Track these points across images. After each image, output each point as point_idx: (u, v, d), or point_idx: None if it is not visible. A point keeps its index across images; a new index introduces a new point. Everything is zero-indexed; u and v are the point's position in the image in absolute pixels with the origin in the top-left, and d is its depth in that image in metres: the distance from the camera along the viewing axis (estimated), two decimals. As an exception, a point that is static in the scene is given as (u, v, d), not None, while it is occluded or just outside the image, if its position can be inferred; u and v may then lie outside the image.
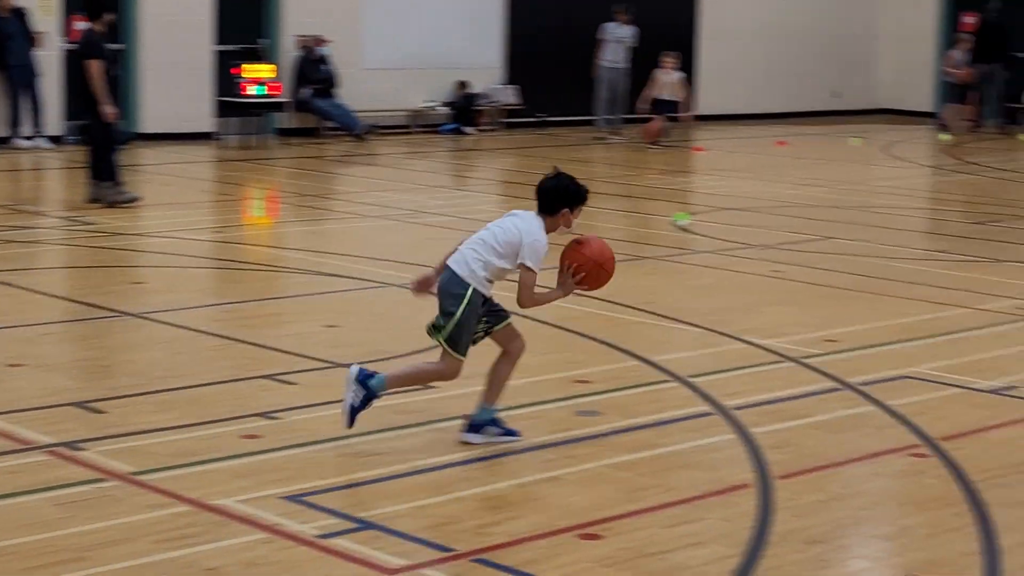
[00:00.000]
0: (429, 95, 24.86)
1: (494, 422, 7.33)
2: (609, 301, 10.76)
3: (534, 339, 9.36)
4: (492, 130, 25.28)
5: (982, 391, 8.49)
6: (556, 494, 6.56)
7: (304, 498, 6.36)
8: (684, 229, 14.80)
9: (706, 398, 8.17)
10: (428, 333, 7.24)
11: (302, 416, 7.67)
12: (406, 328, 9.75)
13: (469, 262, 7.14)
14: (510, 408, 7.81)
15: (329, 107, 23.18)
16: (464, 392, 7.77)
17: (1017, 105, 28.67)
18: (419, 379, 7.61)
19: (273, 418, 7.61)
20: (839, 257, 13.16)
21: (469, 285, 7.10)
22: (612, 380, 8.55)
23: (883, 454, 7.31)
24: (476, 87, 25.19)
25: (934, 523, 6.27)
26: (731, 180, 19.30)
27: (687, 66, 28.08)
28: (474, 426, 7.31)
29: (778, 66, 29.94)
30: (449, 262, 7.21)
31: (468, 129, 24.79)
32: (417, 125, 24.69)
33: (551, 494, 6.57)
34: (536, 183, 7.39)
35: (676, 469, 6.96)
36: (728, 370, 8.88)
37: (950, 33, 29.56)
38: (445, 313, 7.13)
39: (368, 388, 7.17)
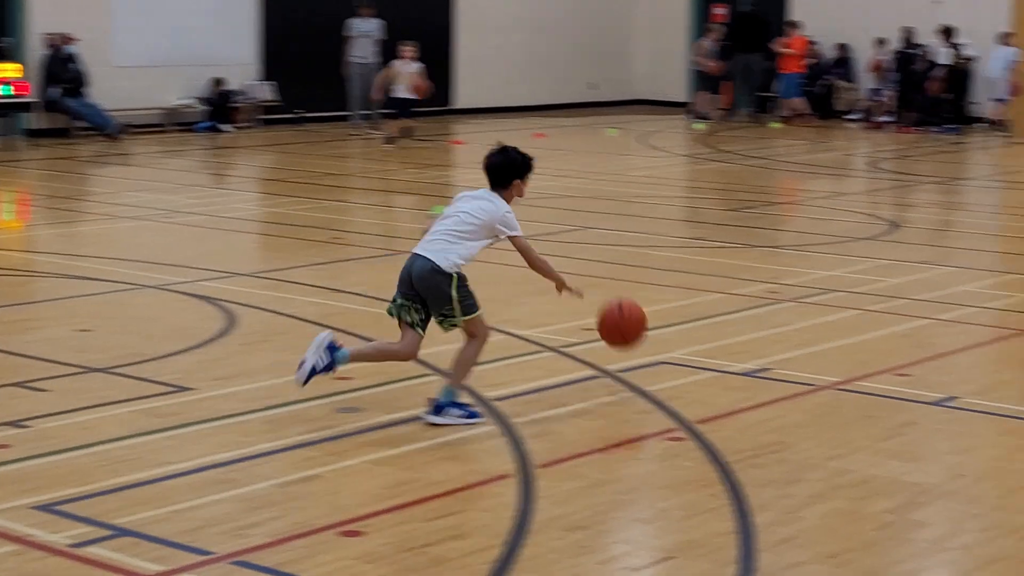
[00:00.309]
0: (184, 92, 24.45)
1: (456, 405, 7.53)
2: (370, 296, 10.72)
3: (297, 337, 9.28)
4: (249, 127, 24.98)
5: (736, 374, 8.66)
6: (317, 492, 6.49)
7: (56, 507, 6.18)
8: (444, 222, 14.79)
9: (467, 390, 8.16)
10: (441, 325, 7.57)
11: (54, 423, 7.45)
12: (159, 330, 9.58)
13: (447, 253, 7.44)
14: (269, 408, 7.72)
15: (79, 106, 22.63)
16: (216, 395, 7.64)
17: (769, 94, 29.40)
18: (382, 356, 7.84)
19: (23, 426, 7.37)
20: (597, 247, 13.30)
21: (452, 275, 7.43)
22: (374, 376, 8.48)
23: (641, 439, 7.41)
24: (232, 84, 24.87)
25: (691, 505, 6.37)
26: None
27: (444, 60, 28.19)
28: (438, 408, 7.50)
29: (535, 59, 30.20)
30: (425, 253, 7.46)
31: (224, 127, 24.46)
32: (172, 123, 24.26)
33: (312, 493, 6.49)
34: (482, 160, 7.70)
35: (437, 462, 6.94)
36: (488, 362, 8.87)
37: (703, 24, 30.17)
38: (443, 307, 7.47)
39: (333, 358, 7.45)
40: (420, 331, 7.55)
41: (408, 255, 7.65)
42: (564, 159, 21.32)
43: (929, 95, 27.08)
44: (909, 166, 21.67)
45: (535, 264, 7.84)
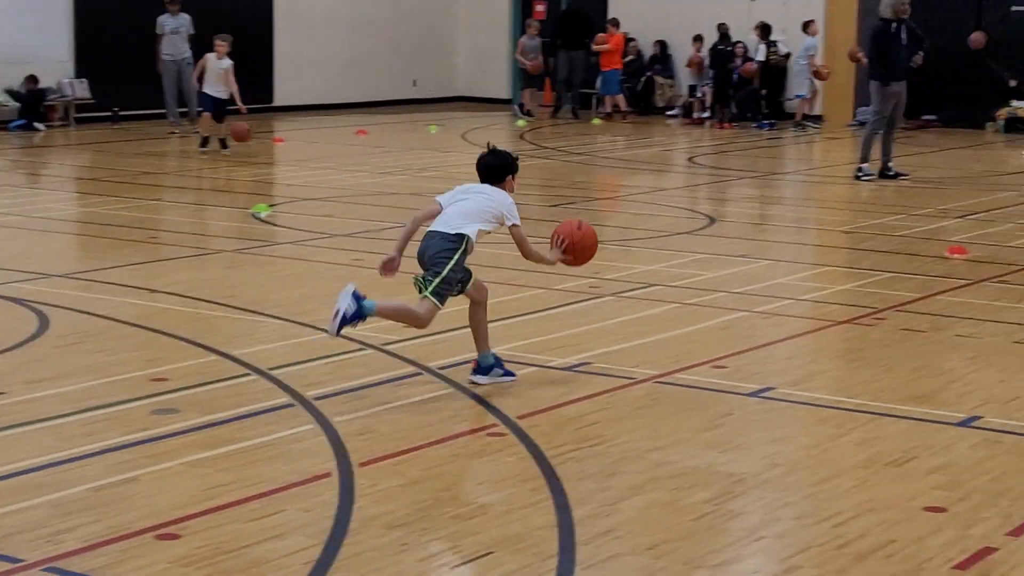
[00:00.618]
0: (-5, 90, 23.95)
1: (498, 362, 8.27)
2: (189, 296, 10.59)
3: (112, 339, 9.13)
4: (64, 125, 24.50)
5: (558, 368, 8.70)
6: (133, 496, 6.37)
7: None
8: (265, 221, 14.67)
9: (287, 390, 8.10)
10: (415, 287, 8.12)
11: None
12: (-28, 333, 9.35)
13: (462, 225, 8.07)
14: (85, 411, 7.57)
15: None
16: (30, 398, 7.48)
17: (591, 91, 29.64)
18: (402, 317, 8.26)
19: None
20: (417, 243, 13.23)
21: (464, 235, 8.06)
22: (191, 376, 8.37)
23: (462, 435, 7.41)
24: (46, 81, 24.35)
25: (512, 500, 6.38)
26: (311, 171, 19.25)
27: (264, 56, 27.94)
28: (482, 369, 8.25)
29: (356, 55, 30.08)
30: (439, 229, 8.10)
31: (39, 125, 23.95)
32: (-16, 122, 23.73)
33: (128, 496, 6.37)
34: (476, 161, 8.60)
35: (256, 463, 6.86)
36: (309, 360, 8.83)
37: (525, 21, 30.31)
38: (433, 269, 8.04)
39: (360, 306, 7.85)
40: (474, 289, 8.36)
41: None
42: (386, 156, 21.28)
43: (745, 79, 27.46)
44: (727, 161, 22.01)
45: (529, 255, 8.50)
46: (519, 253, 8.35)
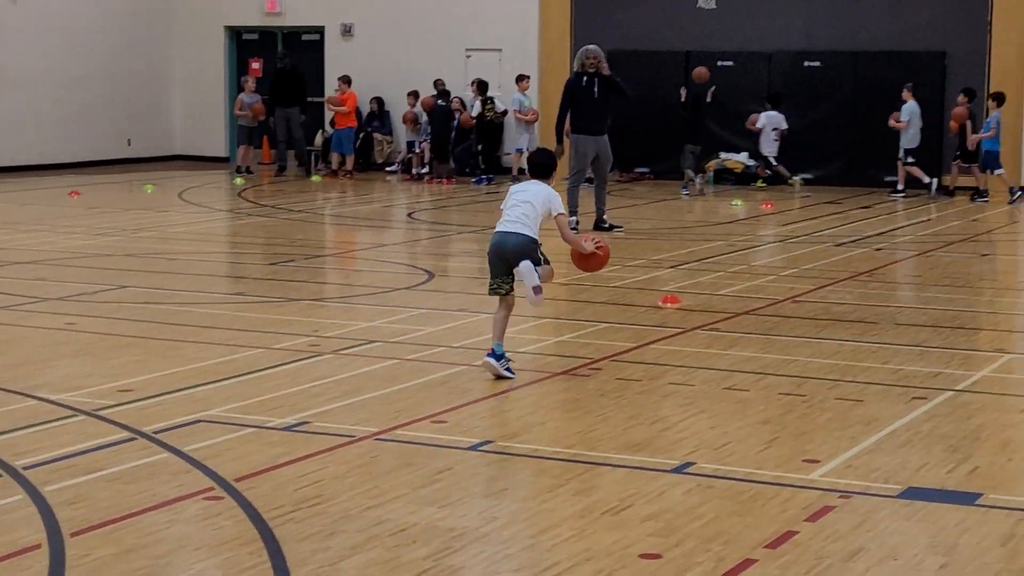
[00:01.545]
0: None
1: (505, 356, 10.11)
2: None
3: None
4: None
5: (276, 428, 8.61)
6: None
7: None
8: (-28, 285, 14.21)
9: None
10: (495, 289, 10.37)
11: None
12: None
13: (530, 230, 10.11)
14: None
15: None
16: None
17: (312, 148, 29.61)
18: (505, 325, 10.36)
19: None
20: (135, 305, 13.03)
21: (538, 241, 10.18)
22: None
23: (178, 500, 7.25)
24: None
25: (229, 564, 6.27)
26: (23, 233, 18.74)
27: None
28: (496, 355, 10.04)
29: (68, 114, 29.46)
30: (516, 230, 10.11)
31: None
32: None
33: None
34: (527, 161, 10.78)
35: (-39, 537, 6.61)
36: (18, 429, 8.55)
37: (241, 78, 30.13)
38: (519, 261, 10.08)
39: (497, 356, 10.05)
40: (510, 296, 10.36)
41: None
42: (100, 217, 20.85)
43: (463, 135, 27.77)
44: (446, 216, 22.19)
45: (567, 238, 10.43)
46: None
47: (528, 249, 10.11)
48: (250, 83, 28.83)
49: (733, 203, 23.80)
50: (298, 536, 6.61)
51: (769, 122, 26.34)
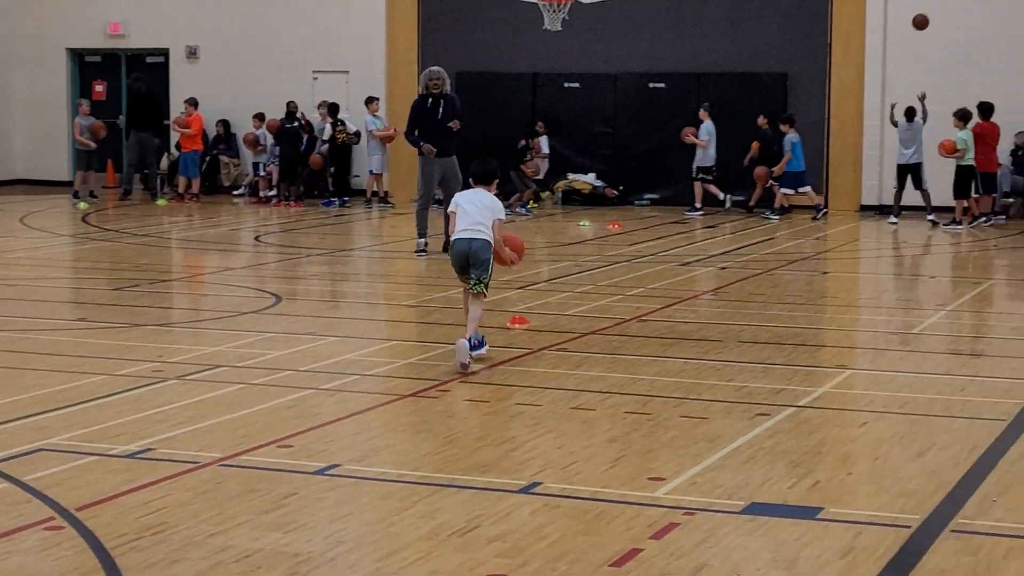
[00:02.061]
0: None
1: (482, 344, 11.55)
2: None
3: None
4: None
5: (119, 456, 8.48)
6: None
7: None
8: None
9: None
10: (472, 286, 11.48)
11: None
12: None
13: (486, 231, 11.43)
14: None
15: None
16: None
17: (158, 171, 29.29)
18: (480, 319, 11.57)
19: None
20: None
21: (491, 244, 11.47)
22: None
23: (17, 531, 7.10)
24: None
25: (69, 596, 6.17)
26: None
27: None
28: (478, 345, 11.40)
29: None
30: (477, 235, 11.40)
31: None
32: None
33: None
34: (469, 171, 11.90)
35: None
36: None
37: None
38: (482, 268, 11.41)
39: (471, 345, 11.17)
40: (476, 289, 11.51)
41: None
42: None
43: (313, 169, 27.73)
44: (294, 239, 22.06)
45: (505, 238, 11.65)
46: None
47: (486, 249, 11.43)
48: (84, 106, 28.44)
49: (581, 223, 23.98)
50: (141, 565, 6.52)
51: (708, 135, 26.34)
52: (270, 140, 28.16)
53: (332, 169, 27.85)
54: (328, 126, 27.68)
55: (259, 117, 28.52)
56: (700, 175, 26.19)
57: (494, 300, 14.96)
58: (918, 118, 24.06)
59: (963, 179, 23.63)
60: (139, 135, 28.33)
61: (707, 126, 26.10)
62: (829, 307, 15.18)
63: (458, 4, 28.70)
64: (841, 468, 8.42)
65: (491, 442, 8.97)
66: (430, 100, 19.00)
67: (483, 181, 11.81)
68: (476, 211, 11.45)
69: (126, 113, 28.54)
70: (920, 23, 23.03)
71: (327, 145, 27.72)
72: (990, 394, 10.45)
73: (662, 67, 27.79)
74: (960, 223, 23.47)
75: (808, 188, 25.17)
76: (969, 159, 23.59)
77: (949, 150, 23.49)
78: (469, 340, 11.16)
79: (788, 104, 26.89)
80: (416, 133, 18.95)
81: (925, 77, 25.71)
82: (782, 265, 18.39)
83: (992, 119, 23.85)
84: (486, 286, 11.46)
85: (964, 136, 23.47)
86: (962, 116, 23.67)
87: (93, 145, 28.01)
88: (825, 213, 25.06)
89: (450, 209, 11.72)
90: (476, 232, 11.40)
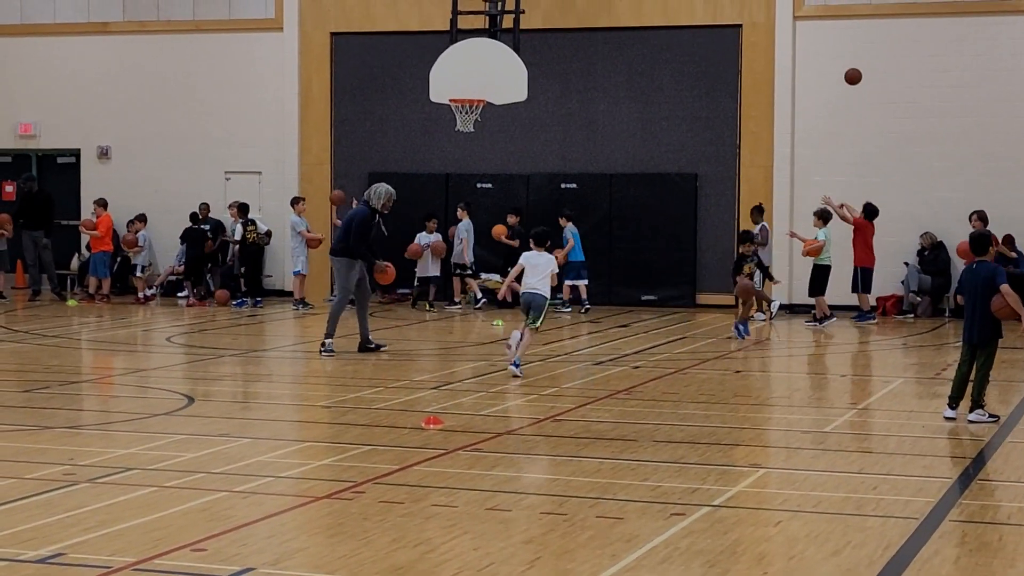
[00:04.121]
0: None
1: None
2: None
3: None
4: None
5: (29, 561, 8.35)
6: None
7: None
8: None
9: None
10: (529, 324, 16.79)
11: None
12: None
13: (544, 288, 16.69)
14: None
15: None
16: None
17: (68, 272, 29.09)
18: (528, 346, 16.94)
19: None
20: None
21: (547, 297, 16.73)
22: None
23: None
24: None
25: None
26: None
27: None
28: (516, 364, 16.45)
29: None
30: (538, 290, 16.75)
31: None
32: None
33: None
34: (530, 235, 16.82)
35: None
36: None
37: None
38: (538, 312, 16.73)
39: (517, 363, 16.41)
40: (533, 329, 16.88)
41: None
42: None
43: (225, 268, 27.65)
44: (207, 339, 21.94)
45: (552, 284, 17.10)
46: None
47: (543, 301, 16.75)
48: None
49: (494, 323, 24.03)
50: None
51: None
52: (146, 241, 28.40)
53: (243, 269, 27.72)
54: (239, 226, 27.60)
55: (140, 219, 28.65)
56: (457, 271, 27.28)
57: (408, 399, 14.99)
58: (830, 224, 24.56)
59: (820, 277, 24.30)
60: (31, 235, 28.21)
61: (465, 224, 27.12)
62: (742, 406, 15.28)
63: (370, 105, 28.86)
64: (756, 568, 8.45)
65: (406, 544, 8.92)
66: (377, 216, 19.38)
67: (540, 243, 16.88)
68: (539, 270, 16.68)
69: (16, 213, 28.38)
70: (852, 78, 23.36)
71: (238, 245, 27.62)
72: (902, 492, 10.55)
73: (574, 168, 28.06)
74: (822, 320, 23.89)
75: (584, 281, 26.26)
76: (826, 259, 24.25)
77: (816, 253, 24.11)
78: (516, 363, 16.61)
79: (698, 204, 27.21)
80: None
81: (832, 178, 26.18)
82: (695, 364, 18.52)
83: (874, 220, 24.57)
84: (540, 324, 16.83)
85: (823, 236, 24.20)
86: (822, 216, 24.44)
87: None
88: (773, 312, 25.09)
89: (520, 264, 16.84)
90: (538, 289, 16.67)
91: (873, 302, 25.25)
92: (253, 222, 27.56)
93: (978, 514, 9.97)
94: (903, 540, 9.04)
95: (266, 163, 29.20)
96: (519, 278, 17.06)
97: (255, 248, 27.64)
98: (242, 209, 27.62)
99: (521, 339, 16.70)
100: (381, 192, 19.41)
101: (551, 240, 17.14)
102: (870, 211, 24.57)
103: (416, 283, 27.04)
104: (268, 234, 27.78)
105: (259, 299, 27.27)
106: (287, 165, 29.02)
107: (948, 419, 13.81)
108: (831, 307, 24.28)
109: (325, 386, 16.89)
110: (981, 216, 24.37)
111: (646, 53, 27.66)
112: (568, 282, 26.12)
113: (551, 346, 20.66)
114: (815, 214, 24.42)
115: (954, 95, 26.00)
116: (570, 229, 26.41)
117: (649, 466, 11.45)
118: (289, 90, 28.97)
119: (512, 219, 26.98)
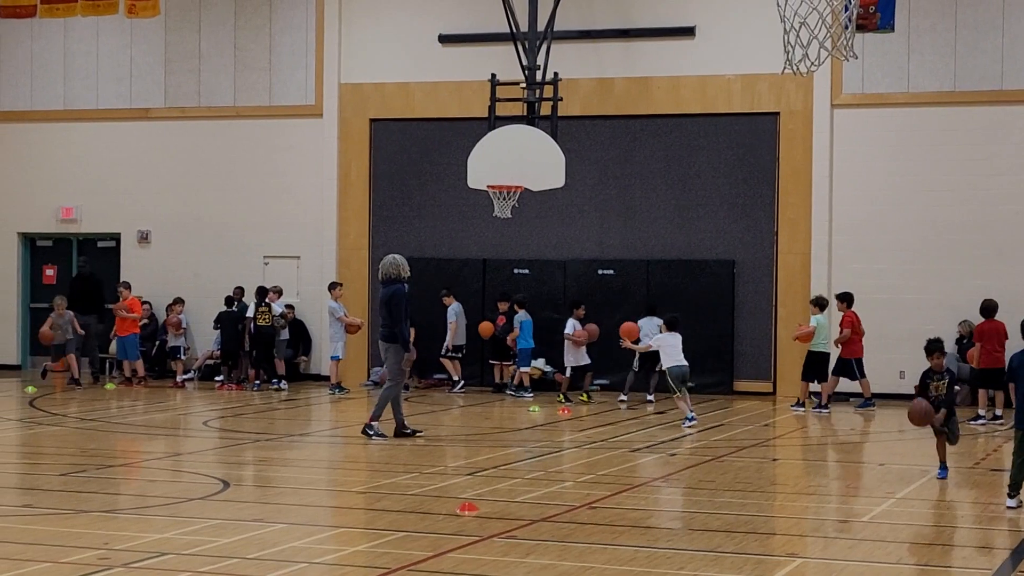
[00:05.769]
0: None
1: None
2: None
3: None
4: None
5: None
6: None
7: None
8: None
9: None
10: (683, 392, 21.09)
11: None
12: None
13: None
14: None
15: None
16: None
17: (105, 355, 29.20)
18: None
19: None
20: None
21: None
22: None
23: None
24: None
25: None
26: None
27: None
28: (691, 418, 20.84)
29: None
30: (684, 363, 21.22)
31: None
32: None
33: None
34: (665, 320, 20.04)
35: None
36: None
37: (36, 284, 29.78)
38: (688, 380, 21.64)
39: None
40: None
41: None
42: None
43: (266, 352, 27.66)
44: (242, 424, 21.95)
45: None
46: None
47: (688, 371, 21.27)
48: (60, 304, 28.04)
49: (531, 409, 23.99)
50: None
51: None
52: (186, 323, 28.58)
53: (254, 352, 27.64)
54: (252, 307, 27.59)
55: (179, 302, 28.80)
56: (448, 353, 27.41)
57: (443, 486, 14.96)
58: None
59: (815, 364, 24.55)
60: (83, 319, 28.25)
61: (455, 307, 27.31)
62: (779, 494, 15.18)
63: (408, 191, 29.01)
64: (793, 659, 8.36)
65: (440, 632, 8.88)
66: (406, 287, 19.34)
67: (673, 328, 21.49)
68: (680, 347, 21.16)
69: (69, 296, 28.44)
70: (803, 339, 24.34)
71: (252, 325, 27.55)
72: (940, 583, 10.44)
73: (611, 254, 28.09)
74: (826, 406, 24.07)
75: (529, 368, 26.47)
76: (822, 344, 24.51)
77: (806, 339, 24.40)
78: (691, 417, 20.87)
79: (735, 291, 27.20)
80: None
81: (870, 266, 26.16)
82: (731, 452, 18.43)
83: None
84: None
85: (815, 322, 24.47)
86: (817, 303, 24.78)
87: (48, 336, 27.83)
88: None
89: (657, 345, 21.72)
90: (685, 361, 21.15)
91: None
92: (267, 305, 27.46)
93: (1018, 606, 9.86)
94: (941, 632, 8.94)
95: (304, 248, 29.35)
96: (653, 355, 22.60)
97: (267, 330, 27.47)
98: (260, 292, 27.57)
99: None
100: (400, 262, 19.41)
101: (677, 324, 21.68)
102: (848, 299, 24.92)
103: (568, 373, 26.10)
104: (283, 317, 27.62)
105: (275, 381, 27.20)
106: (325, 250, 29.16)
107: (1010, 508, 13.66)
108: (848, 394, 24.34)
109: (360, 471, 16.87)
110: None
111: (684, 140, 27.77)
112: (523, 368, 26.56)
113: (587, 433, 20.61)
114: (811, 302, 24.96)
115: (992, 183, 25.99)
116: (519, 317, 26.59)
117: (685, 555, 11.38)
118: (328, 175, 29.15)
119: (579, 312, 26.33)
